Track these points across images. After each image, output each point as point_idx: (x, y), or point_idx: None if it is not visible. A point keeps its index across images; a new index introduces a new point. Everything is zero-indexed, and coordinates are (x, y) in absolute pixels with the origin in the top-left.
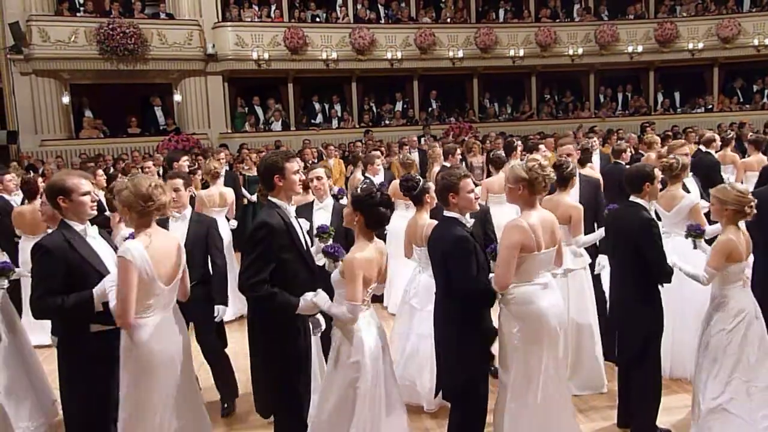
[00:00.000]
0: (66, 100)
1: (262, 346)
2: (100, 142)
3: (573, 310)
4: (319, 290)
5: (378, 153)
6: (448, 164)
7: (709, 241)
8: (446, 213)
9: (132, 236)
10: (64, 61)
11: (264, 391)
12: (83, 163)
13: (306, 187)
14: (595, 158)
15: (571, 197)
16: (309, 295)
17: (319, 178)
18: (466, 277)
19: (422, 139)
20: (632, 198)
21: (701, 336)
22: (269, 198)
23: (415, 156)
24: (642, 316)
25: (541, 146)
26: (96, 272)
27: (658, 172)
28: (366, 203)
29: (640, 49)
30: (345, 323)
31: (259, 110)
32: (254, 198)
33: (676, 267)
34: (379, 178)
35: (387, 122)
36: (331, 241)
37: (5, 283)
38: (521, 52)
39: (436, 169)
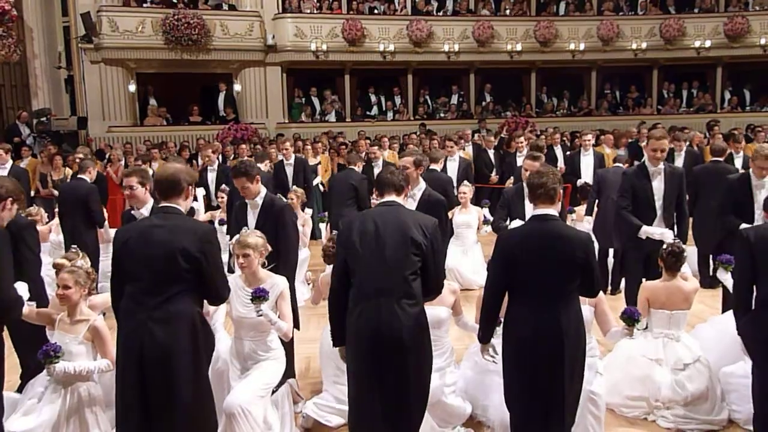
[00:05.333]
0: (132, 88)
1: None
2: (163, 130)
3: None
4: None
5: (442, 152)
6: None
7: None
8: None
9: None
10: (131, 50)
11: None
12: (148, 150)
13: None
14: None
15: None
16: None
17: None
18: None
19: (476, 134)
20: None
21: None
22: (396, 199)
23: (469, 150)
24: None
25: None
26: None
27: None
28: None
29: (708, 44)
30: None
31: (315, 101)
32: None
33: None
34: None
35: (442, 115)
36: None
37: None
38: (582, 46)
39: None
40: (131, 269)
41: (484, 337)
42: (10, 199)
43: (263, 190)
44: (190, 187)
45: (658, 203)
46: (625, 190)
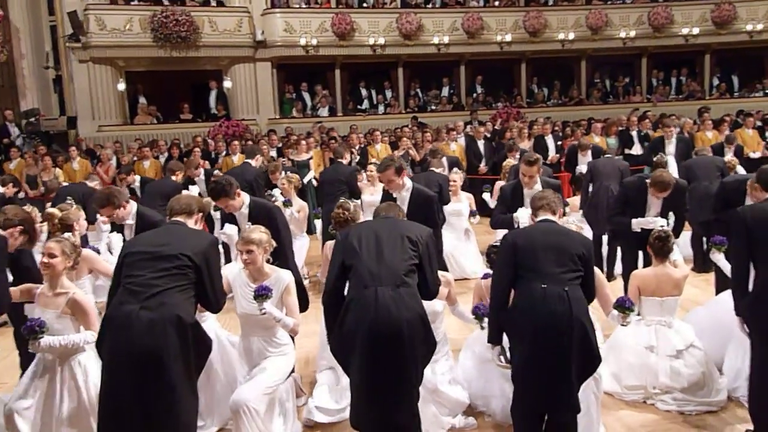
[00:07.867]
0: (121, 86)
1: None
2: (154, 128)
3: None
4: None
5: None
6: None
7: None
8: None
9: None
10: (119, 48)
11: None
12: (140, 149)
13: None
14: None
15: None
16: None
17: None
18: None
19: (468, 126)
20: None
21: None
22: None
23: (461, 141)
24: None
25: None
26: None
27: None
28: None
29: (695, 31)
30: None
31: (306, 96)
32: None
33: None
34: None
35: (433, 108)
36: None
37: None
38: (571, 36)
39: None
40: (132, 261)
41: (495, 338)
42: (20, 228)
43: (246, 198)
44: (200, 215)
45: (651, 214)
46: (620, 201)
